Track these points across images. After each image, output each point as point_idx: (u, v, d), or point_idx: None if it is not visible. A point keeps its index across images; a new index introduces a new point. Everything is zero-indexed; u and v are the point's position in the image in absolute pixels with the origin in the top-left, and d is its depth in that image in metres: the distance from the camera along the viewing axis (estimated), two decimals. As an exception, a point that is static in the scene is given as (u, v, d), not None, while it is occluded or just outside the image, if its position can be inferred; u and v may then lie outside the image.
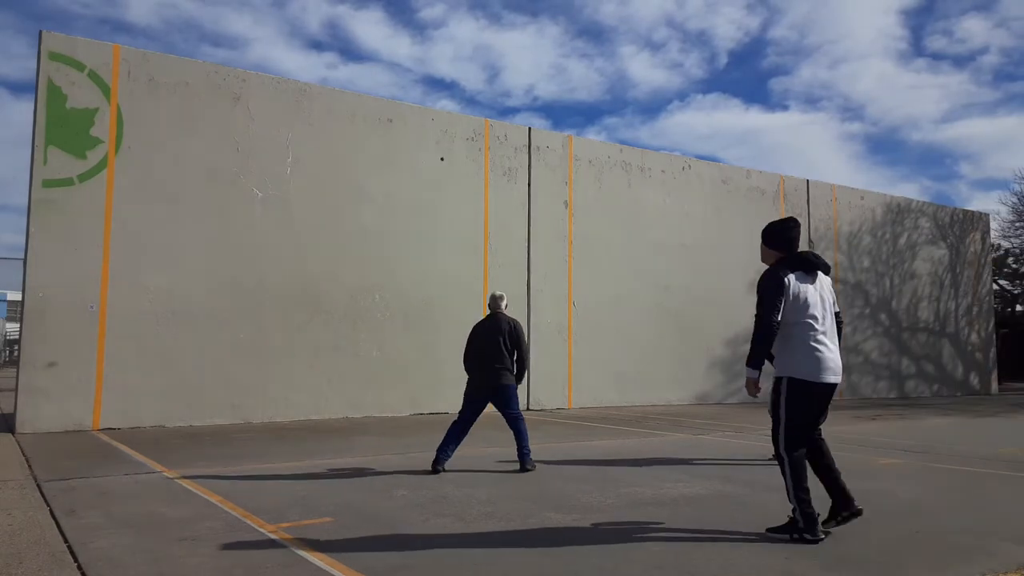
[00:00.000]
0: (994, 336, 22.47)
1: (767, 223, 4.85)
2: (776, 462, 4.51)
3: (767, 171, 17.67)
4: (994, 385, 21.99)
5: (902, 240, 20.10)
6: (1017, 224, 30.15)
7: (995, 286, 27.82)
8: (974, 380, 21.52)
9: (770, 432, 4.68)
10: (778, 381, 4.59)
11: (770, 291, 4.50)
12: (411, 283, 12.59)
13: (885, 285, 19.62)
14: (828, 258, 18.47)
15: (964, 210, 21.90)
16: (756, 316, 4.57)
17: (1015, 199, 30.55)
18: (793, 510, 4.45)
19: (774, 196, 17.57)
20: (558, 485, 6.14)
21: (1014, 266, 31.32)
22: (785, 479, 4.47)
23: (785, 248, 4.69)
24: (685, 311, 15.92)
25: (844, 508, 4.56)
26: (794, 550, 4.22)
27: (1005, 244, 30.70)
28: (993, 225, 25.35)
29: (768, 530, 4.58)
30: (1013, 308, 31.44)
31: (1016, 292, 31.76)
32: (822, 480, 4.59)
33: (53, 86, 10.07)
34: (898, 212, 20.06)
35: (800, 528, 4.39)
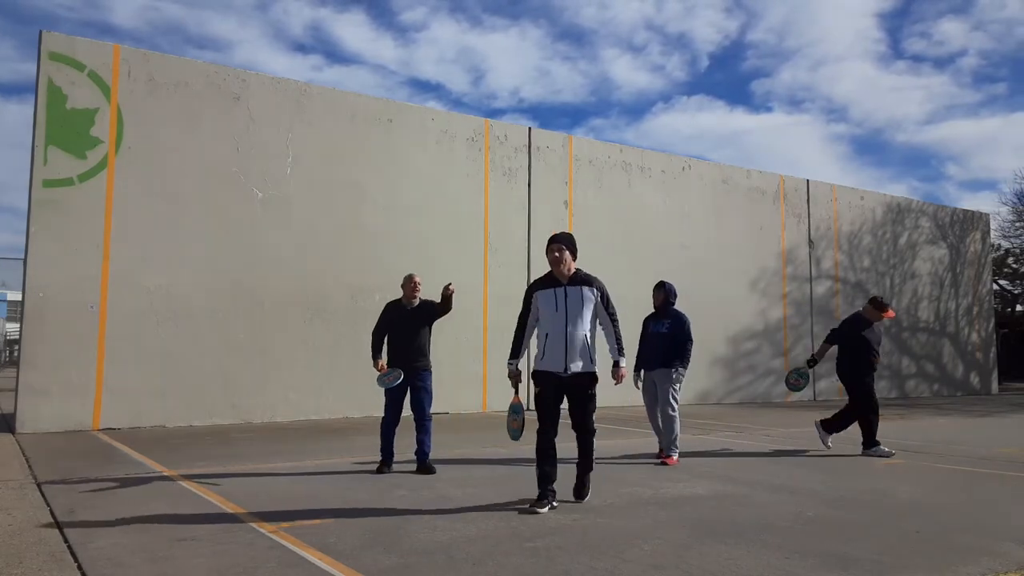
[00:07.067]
0: (994, 336, 22.46)
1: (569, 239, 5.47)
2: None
3: (767, 171, 17.68)
4: (994, 385, 21.99)
5: (902, 240, 20.10)
6: (1017, 224, 30.18)
7: (995, 286, 27.83)
8: (974, 380, 21.51)
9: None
10: None
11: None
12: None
13: (885, 285, 19.62)
14: (828, 258, 18.49)
15: (964, 210, 21.90)
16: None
17: (1015, 199, 30.59)
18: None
19: (774, 196, 17.56)
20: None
21: (1014, 266, 31.34)
22: None
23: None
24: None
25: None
26: (794, 550, 4.22)
27: (1005, 244, 30.73)
28: (993, 225, 25.36)
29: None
30: (1013, 308, 31.46)
31: (1016, 292, 31.77)
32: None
33: (53, 86, 10.07)
34: (898, 212, 20.06)
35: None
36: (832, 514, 5.16)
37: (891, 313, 8.53)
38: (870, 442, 8.16)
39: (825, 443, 8.46)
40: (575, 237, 5.52)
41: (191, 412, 10.65)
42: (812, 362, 8.65)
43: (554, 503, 5.19)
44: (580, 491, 5.48)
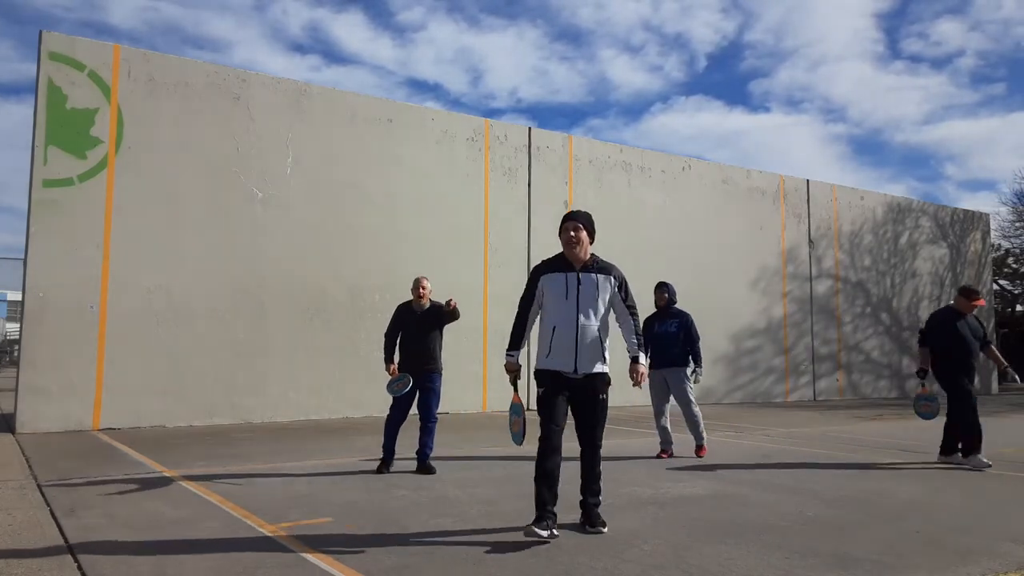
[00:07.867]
0: (994, 336, 22.46)
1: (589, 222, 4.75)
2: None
3: (767, 171, 17.68)
4: (994, 385, 21.98)
5: (903, 239, 20.10)
6: (1017, 224, 30.17)
7: (995, 286, 27.82)
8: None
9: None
10: None
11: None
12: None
13: (886, 284, 19.63)
14: (829, 257, 18.48)
15: (964, 210, 21.91)
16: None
17: (1015, 199, 30.59)
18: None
19: (774, 196, 17.56)
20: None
21: (1014, 266, 31.33)
22: None
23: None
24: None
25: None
26: (794, 550, 4.21)
27: (1005, 244, 30.72)
28: (993, 225, 25.35)
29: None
30: (1013, 308, 31.44)
31: (1016, 292, 31.76)
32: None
33: (53, 86, 10.07)
34: (899, 212, 20.07)
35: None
36: (832, 514, 5.16)
37: (982, 301, 7.79)
38: (968, 449, 7.42)
39: (984, 466, 7.32)
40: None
41: (191, 412, 10.65)
42: (923, 373, 7.74)
43: (555, 531, 4.37)
44: (591, 521, 4.61)
